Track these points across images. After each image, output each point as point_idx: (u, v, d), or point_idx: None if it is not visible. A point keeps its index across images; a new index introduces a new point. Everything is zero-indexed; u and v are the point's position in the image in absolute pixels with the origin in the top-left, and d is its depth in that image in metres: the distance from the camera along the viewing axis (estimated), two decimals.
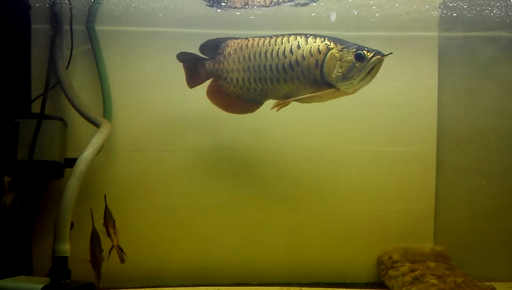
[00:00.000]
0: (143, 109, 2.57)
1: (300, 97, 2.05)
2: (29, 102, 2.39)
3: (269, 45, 2.08)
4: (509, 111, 2.72)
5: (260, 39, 2.12)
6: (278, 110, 2.11)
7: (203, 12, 2.47)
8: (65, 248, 2.00)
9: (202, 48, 2.26)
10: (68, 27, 2.46)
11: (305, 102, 2.11)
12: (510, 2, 2.32)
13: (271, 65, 2.07)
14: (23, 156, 2.15)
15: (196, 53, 2.27)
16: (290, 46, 2.03)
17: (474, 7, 2.39)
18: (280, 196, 2.62)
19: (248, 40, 2.15)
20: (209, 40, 2.25)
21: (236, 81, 2.18)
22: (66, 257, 2.01)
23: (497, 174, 2.72)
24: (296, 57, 2.02)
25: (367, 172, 2.66)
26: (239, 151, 2.61)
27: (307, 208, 2.64)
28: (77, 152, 2.22)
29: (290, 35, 2.06)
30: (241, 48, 2.15)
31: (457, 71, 2.69)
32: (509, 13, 2.42)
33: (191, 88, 2.31)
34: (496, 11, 2.42)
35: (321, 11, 2.45)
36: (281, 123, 2.60)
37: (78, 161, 2.12)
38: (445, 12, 2.47)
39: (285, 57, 2.04)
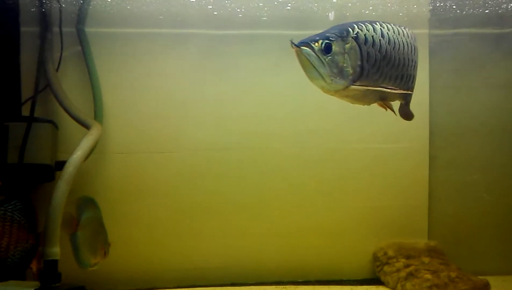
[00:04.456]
0: (135, 110, 2.56)
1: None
2: (19, 105, 2.37)
3: None
4: (500, 106, 2.73)
5: None
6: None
7: (194, 12, 2.46)
8: (55, 251, 2.00)
9: None
10: (58, 29, 2.45)
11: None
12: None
13: None
14: (13, 159, 2.13)
15: None
16: None
17: (462, 5, 2.39)
18: (275, 195, 2.62)
19: None
20: None
21: None
22: (56, 260, 2.00)
23: (490, 169, 2.73)
24: None
25: (360, 169, 2.65)
26: (232, 151, 2.60)
27: (302, 207, 2.63)
28: (68, 155, 2.20)
29: None
30: None
31: (448, 68, 2.69)
32: (496, 9, 2.43)
33: None
34: (483, 9, 2.43)
35: (320, 9, 2.44)
36: (275, 123, 2.60)
37: (67, 164, 2.11)
38: (434, 10, 2.47)
39: None
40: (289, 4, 2.38)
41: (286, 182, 2.62)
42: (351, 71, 1.56)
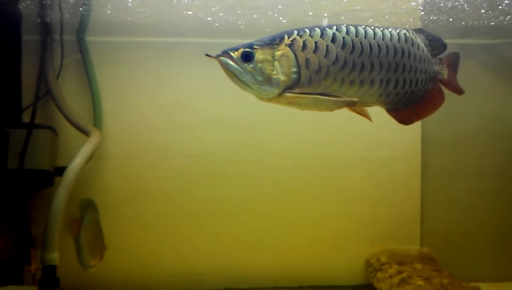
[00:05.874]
0: (134, 116, 2.59)
1: None
2: (20, 111, 2.40)
3: None
4: (491, 115, 2.76)
5: None
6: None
7: (193, 21, 2.47)
8: (54, 257, 2.01)
9: None
10: (59, 37, 2.49)
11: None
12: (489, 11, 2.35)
13: None
14: (13, 165, 2.16)
15: None
16: None
17: (453, 16, 2.42)
18: (269, 201, 2.64)
19: None
20: None
21: None
22: (55, 266, 2.02)
23: (482, 177, 2.76)
24: None
25: (354, 176, 2.68)
26: (228, 157, 2.62)
27: (296, 213, 2.66)
28: (68, 161, 2.23)
29: None
30: None
31: None
32: (485, 21, 2.46)
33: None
34: (473, 20, 2.45)
35: (313, 12, 2.43)
36: (270, 130, 2.63)
37: (66, 170, 2.14)
38: (426, 20, 2.50)
39: None
40: None
41: (279, 188, 2.65)
42: (282, 78, 1.53)
